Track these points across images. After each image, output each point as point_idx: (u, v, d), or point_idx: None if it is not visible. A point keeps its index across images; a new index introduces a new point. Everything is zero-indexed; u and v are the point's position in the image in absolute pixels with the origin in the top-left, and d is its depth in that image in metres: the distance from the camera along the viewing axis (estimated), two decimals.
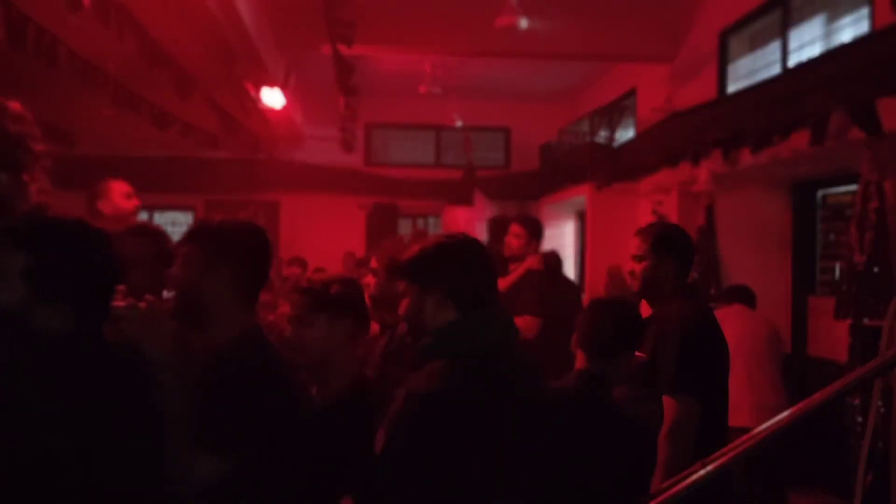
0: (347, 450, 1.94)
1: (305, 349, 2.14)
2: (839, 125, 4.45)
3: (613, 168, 7.84)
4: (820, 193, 6.06)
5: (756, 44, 6.81)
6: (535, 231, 4.32)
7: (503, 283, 4.31)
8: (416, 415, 1.64)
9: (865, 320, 4.17)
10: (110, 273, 1.63)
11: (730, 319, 4.10)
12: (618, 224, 7.90)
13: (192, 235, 1.86)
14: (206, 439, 1.60)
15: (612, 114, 8.72)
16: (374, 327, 2.96)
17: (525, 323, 4.05)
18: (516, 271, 4.29)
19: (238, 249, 1.83)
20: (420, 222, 11.78)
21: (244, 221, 1.91)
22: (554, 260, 4.55)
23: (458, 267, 1.80)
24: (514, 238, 4.34)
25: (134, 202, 3.44)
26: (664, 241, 2.74)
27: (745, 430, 1.61)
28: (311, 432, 1.89)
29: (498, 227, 4.95)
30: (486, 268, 1.85)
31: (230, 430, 1.64)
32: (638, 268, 2.73)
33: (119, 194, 3.41)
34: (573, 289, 5.07)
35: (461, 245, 1.86)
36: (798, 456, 4.61)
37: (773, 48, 6.39)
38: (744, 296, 4.82)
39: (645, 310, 2.80)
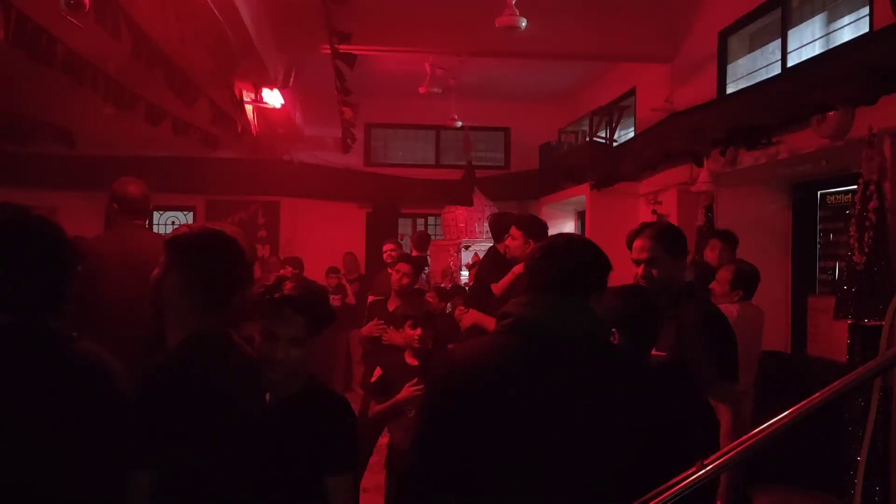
0: (309, 449, 1.99)
1: (284, 367, 2.02)
2: (839, 125, 4.45)
3: (613, 168, 7.85)
4: (820, 193, 6.06)
5: (756, 44, 6.81)
6: (531, 232, 4.24)
7: (497, 287, 4.30)
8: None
9: (865, 320, 4.17)
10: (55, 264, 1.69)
11: None
12: (618, 224, 7.90)
13: (165, 242, 2.00)
14: (132, 445, 1.68)
15: (612, 114, 8.71)
16: None
17: None
18: (507, 275, 4.24)
19: (189, 254, 1.93)
20: (420, 222, 11.78)
21: (211, 229, 1.99)
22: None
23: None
24: (510, 240, 4.28)
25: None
26: (677, 240, 2.71)
27: None
28: (265, 431, 1.93)
29: (497, 227, 4.90)
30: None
31: (154, 434, 1.69)
32: (654, 271, 2.65)
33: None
34: None
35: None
36: (798, 456, 4.61)
37: (773, 48, 6.39)
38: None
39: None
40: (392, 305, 4.66)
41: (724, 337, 2.59)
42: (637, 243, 2.73)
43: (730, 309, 3.85)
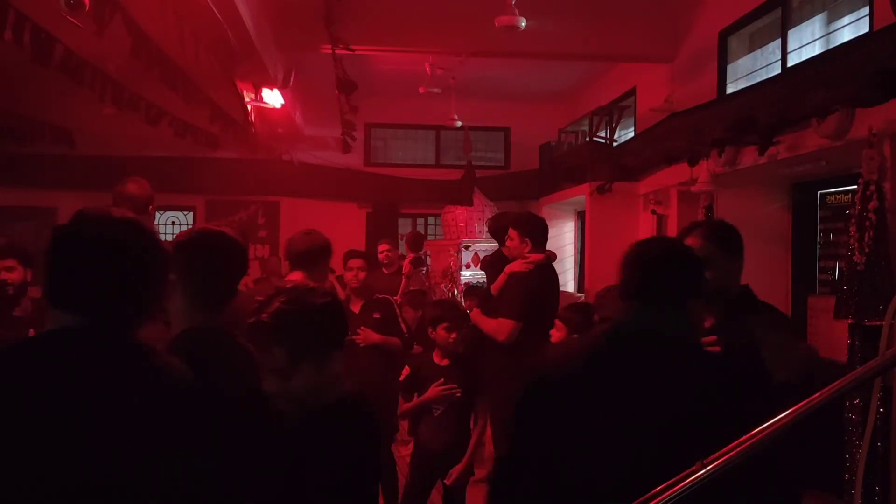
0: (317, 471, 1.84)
1: (279, 398, 1.86)
2: (839, 125, 4.45)
3: (613, 168, 7.85)
4: (820, 193, 6.06)
5: (756, 44, 6.81)
6: (526, 231, 4.24)
7: (494, 287, 4.31)
8: None
9: (865, 320, 4.17)
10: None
11: None
12: (618, 224, 7.91)
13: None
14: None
15: (612, 114, 8.71)
16: None
17: (495, 325, 4.02)
18: (501, 275, 4.25)
19: (181, 254, 1.94)
20: (420, 222, 11.78)
21: (209, 229, 2.02)
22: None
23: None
24: (508, 240, 4.30)
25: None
26: (731, 237, 2.52)
27: None
28: (278, 444, 1.83)
29: (495, 228, 4.89)
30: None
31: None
32: (707, 273, 2.50)
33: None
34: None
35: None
36: (797, 456, 4.60)
37: (773, 48, 6.39)
38: None
39: None
40: (355, 305, 4.68)
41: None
42: (687, 242, 2.49)
43: None
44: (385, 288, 5.49)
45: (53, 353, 1.41)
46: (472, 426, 3.88)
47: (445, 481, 3.70)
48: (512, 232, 4.23)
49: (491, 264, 4.73)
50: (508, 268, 4.18)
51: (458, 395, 3.66)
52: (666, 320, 1.78)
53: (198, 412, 1.50)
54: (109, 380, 1.41)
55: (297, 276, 3.29)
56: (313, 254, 3.34)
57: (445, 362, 3.76)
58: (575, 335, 3.52)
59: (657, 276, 1.83)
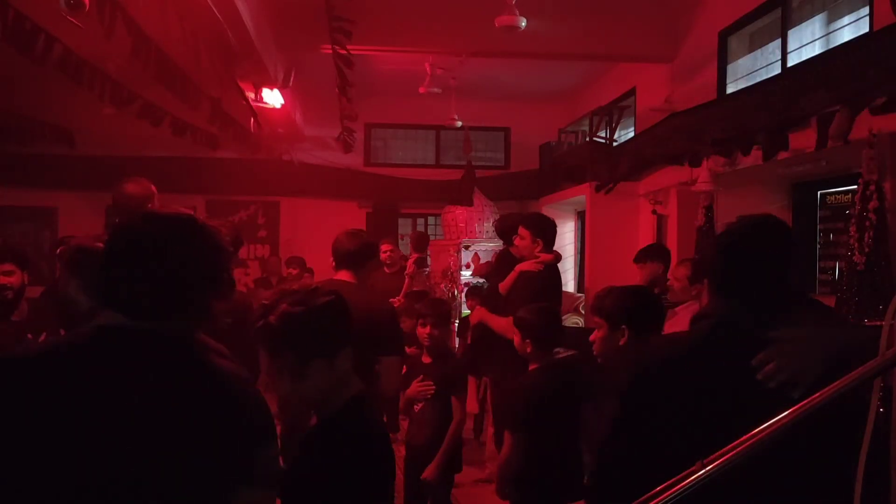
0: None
1: (285, 402, 1.94)
2: (840, 126, 4.45)
3: (613, 168, 7.84)
4: (820, 193, 6.06)
5: (756, 44, 6.81)
6: (538, 231, 4.27)
7: (503, 286, 4.31)
8: None
9: (865, 320, 4.17)
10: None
11: None
12: (618, 224, 7.91)
13: None
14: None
15: (612, 114, 8.71)
16: None
17: (506, 324, 4.00)
18: (511, 274, 4.26)
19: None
20: (420, 222, 11.78)
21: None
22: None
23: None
24: (518, 239, 4.31)
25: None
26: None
27: None
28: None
29: (503, 228, 4.91)
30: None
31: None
32: None
33: (157, 198, 3.44)
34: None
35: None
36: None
37: (773, 48, 6.39)
38: None
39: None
40: None
41: None
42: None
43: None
44: (386, 288, 5.50)
45: (109, 350, 1.40)
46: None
47: (421, 477, 3.74)
48: (523, 231, 4.26)
49: (501, 262, 4.73)
50: (519, 267, 4.20)
51: (430, 391, 3.74)
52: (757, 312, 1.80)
53: (249, 411, 1.47)
54: (163, 380, 1.39)
55: (343, 276, 3.38)
56: (361, 253, 3.43)
57: (428, 360, 3.88)
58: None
59: (748, 271, 1.84)
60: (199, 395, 1.41)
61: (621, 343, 2.64)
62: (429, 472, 3.71)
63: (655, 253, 5.11)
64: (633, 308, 2.65)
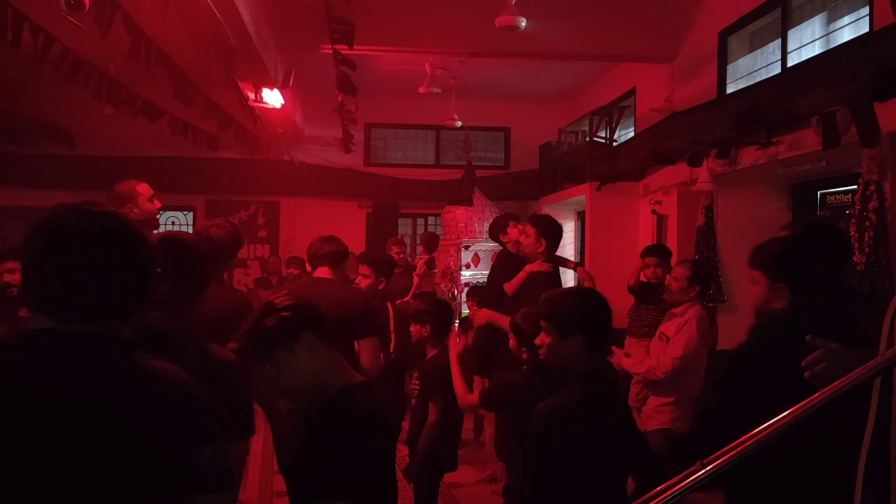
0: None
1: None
2: (839, 125, 4.44)
3: (613, 168, 7.84)
4: (820, 193, 6.05)
5: (756, 44, 6.81)
6: (544, 231, 4.25)
7: (509, 287, 4.30)
8: None
9: None
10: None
11: None
12: (618, 224, 7.91)
13: None
14: None
15: (612, 114, 8.71)
16: None
17: None
18: (519, 274, 4.25)
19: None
20: (420, 222, 11.78)
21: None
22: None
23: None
24: (523, 237, 4.31)
25: (157, 204, 3.47)
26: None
27: None
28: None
29: (494, 227, 4.89)
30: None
31: None
32: None
33: (145, 198, 3.42)
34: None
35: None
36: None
37: (773, 48, 6.39)
38: None
39: None
40: None
41: None
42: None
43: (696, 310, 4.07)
44: (395, 288, 5.51)
45: (34, 355, 1.35)
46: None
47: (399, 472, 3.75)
48: (529, 229, 4.25)
49: (502, 262, 4.72)
50: (528, 267, 4.20)
51: (415, 387, 3.84)
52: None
53: (188, 413, 1.43)
54: (91, 382, 1.34)
55: (323, 273, 3.73)
56: (337, 253, 3.83)
57: (431, 354, 3.96)
58: None
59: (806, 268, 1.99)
60: (129, 400, 1.35)
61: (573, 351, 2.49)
62: (407, 467, 3.75)
63: (662, 252, 5.09)
64: (590, 317, 2.51)
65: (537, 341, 2.63)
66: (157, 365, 1.43)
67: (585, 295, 2.64)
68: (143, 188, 3.41)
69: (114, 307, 1.39)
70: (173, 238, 2.32)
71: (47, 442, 1.28)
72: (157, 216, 3.53)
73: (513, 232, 4.61)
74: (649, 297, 4.89)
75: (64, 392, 1.31)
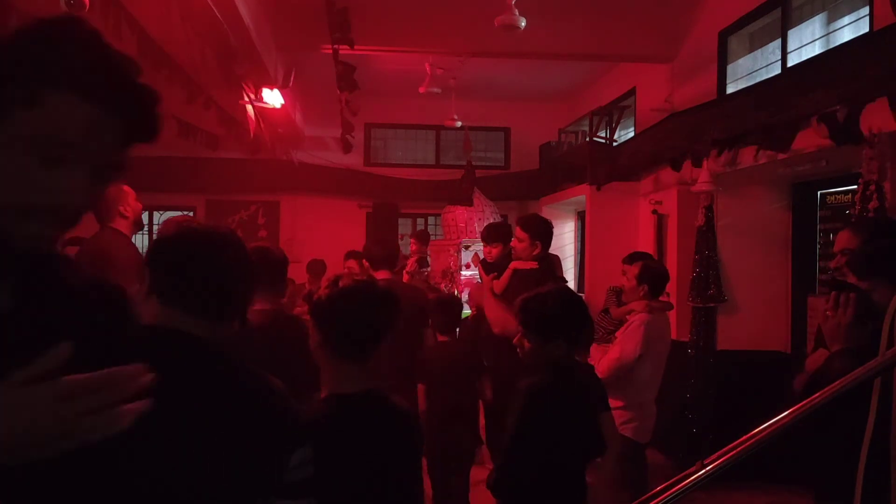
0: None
1: None
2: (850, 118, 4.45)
3: (613, 168, 7.84)
4: (820, 193, 6.06)
5: (756, 44, 6.81)
6: (536, 233, 4.22)
7: (498, 286, 4.28)
8: None
9: None
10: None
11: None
12: (618, 224, 7.91)
13: None
14: None
15: (612, 114, 8.71)
16: None
17: (502, 317, 3.92)
18: (505, 272, 4.23)
19: None
20: (420, 222, 11.79)
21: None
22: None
23: None
24: (517, 241, 4.28)
25: (140, 204, 3.58)
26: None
27: None
28: None
29: (488, 232, 4.84)
30: None
31: None
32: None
33: (132, 198, 3.57)
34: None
35: None
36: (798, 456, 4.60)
37: (773, 48, 6.39)
38: None
39: None
40: None
41: None
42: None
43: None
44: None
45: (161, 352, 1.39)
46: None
47: None
48: (521, 234, 4.19)
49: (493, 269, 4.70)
50: (513, 265, 4.18)
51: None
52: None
53: (286, 417, 1.49)
54: (205, 384, 1.41)
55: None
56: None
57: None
58: None
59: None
60: (233, 402, 1.42)
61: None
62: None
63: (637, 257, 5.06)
64: (570, 321, 2.52)
65: (515, 341, 2.63)
66: (254, 369, 1.52)
67: (564, 299, 2.60)
68: (128, 189, 3.51)
69: (238, 311, 1.54)
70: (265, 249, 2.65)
71: (164, 441, 1.31)
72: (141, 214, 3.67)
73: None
74: (619, 302, 4.93)
75: (183, 389, 1.36)
